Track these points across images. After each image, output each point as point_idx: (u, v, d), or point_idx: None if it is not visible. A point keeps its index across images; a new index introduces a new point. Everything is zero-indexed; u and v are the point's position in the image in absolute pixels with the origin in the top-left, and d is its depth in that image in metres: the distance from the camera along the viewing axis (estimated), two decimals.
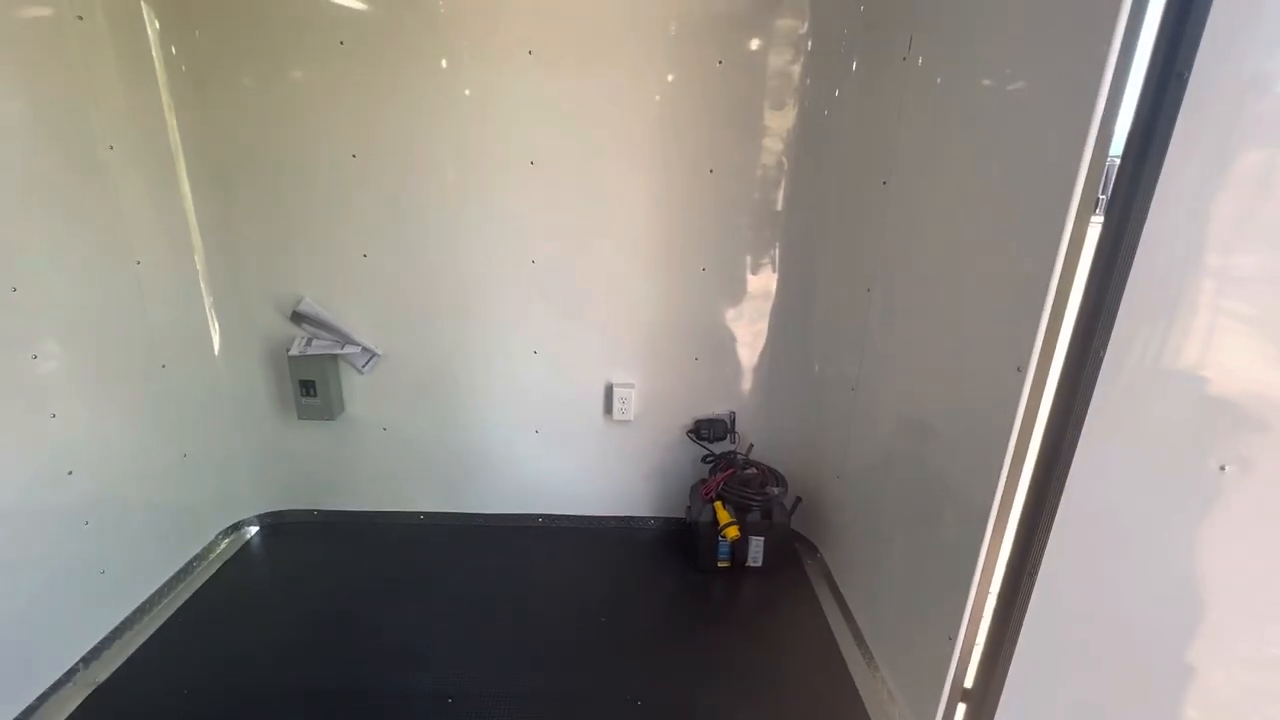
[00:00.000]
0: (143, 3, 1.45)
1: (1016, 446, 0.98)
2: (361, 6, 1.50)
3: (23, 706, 1.25)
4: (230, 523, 1.87)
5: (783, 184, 1.66)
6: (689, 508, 1.80)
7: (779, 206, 1.68)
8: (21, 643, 1.25)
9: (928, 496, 1.26)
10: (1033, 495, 1.02)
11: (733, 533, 1.67)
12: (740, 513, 1.71)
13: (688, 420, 1.89)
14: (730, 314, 1.79)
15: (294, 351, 1.70)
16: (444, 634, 1.51)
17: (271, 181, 1.62)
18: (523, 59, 1.54)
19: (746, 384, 1.87)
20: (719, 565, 1.75)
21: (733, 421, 1.88)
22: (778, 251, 1.72)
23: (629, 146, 1.61)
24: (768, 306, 1.79)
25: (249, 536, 1.89)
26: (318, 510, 1.96)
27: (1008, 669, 1.11)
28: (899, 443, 1.42)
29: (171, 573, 1.65)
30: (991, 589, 1.08)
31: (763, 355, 1.83)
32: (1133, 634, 1.05)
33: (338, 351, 1.73)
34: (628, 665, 1.44)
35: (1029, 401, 0.96)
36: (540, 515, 1.98)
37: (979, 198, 1.11)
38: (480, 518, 1.97)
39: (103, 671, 1.38)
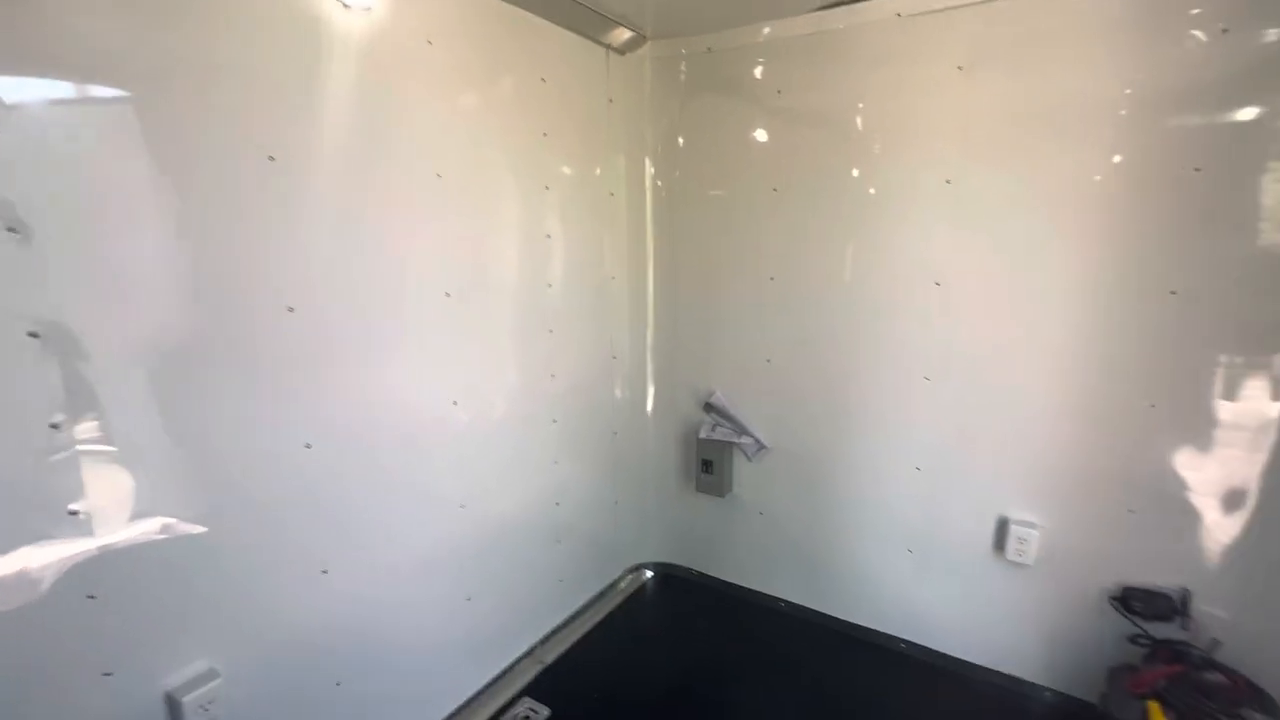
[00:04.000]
0: (646, 160, 2.02)
1: None
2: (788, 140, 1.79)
3: (501, 668, 1.75)
4: (634, 563, 2.30)
5: None
6: (1105, 695, 1.45)
7: None
8: (507, 621, 1.77)
9: None
10: None
11: None
12: None
13: (1111, 583, 1.55)
14: (1190, 460, 1.43)
15: (703, 435, 2.04)
16: None
17: (704, 290, 2.01)
18: (935, 184, 1.60)
19: (1211, 554, 1.44)
20: None
21: (1184, 601, 1.46)
22: None
23: (1055, 266, 1.49)
24: (1261, 457, 1.37)
25: (645, 578, 2.29)
26: (698, 571, 2.26)
27: None
28: None
29: (595, 592, 2.12)
30: None
31: (1245, 518, 1.40)
32: None
33: (735, 440, 2.01)
34: None
35: None
36: (903, 640, 1.87)
37: None
38: (838, 622, 1.97)
39: (549, 654, 1.86)
